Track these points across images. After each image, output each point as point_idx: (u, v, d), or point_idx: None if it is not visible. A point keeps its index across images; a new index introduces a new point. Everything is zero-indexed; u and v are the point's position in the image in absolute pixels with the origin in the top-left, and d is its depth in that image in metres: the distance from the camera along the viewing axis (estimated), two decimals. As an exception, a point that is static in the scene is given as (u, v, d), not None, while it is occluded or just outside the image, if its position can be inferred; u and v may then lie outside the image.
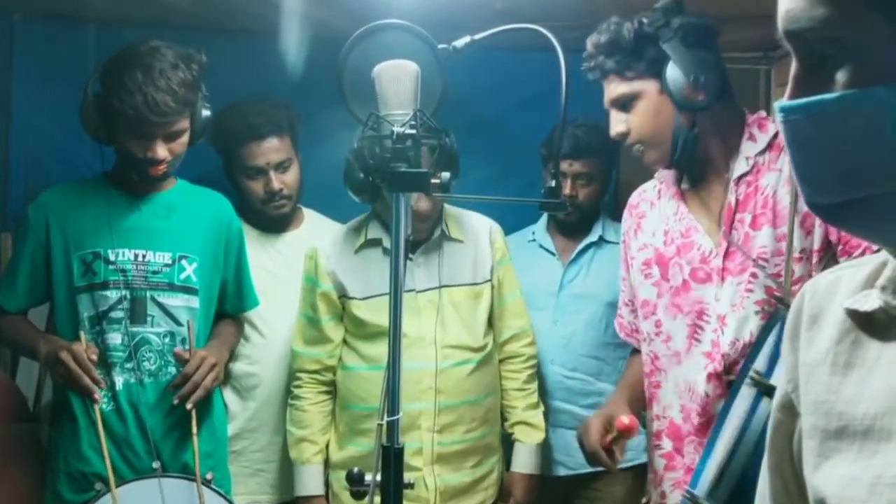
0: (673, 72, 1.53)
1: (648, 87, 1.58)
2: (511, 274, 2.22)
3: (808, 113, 0.56)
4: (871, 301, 0.64)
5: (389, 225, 2.06)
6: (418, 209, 1.99)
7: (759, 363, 1.41)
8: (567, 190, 2.35)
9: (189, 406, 1.84)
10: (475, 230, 2.18)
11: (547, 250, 2.44)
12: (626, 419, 1.61)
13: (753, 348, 1.45)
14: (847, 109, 0.54)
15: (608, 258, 2.39)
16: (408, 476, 2.01)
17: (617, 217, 2.39)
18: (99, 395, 1.80)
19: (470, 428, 2.08)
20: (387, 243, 2.07)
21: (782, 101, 0.59)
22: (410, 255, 2.07)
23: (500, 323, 2.19)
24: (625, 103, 1.61)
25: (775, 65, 2.64)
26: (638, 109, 1.60)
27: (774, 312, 1.47)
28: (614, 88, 1.61)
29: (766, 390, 1.35)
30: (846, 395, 0.63)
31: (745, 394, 1.40)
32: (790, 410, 0.71)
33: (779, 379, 0.74)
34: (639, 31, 1.56)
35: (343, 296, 2.11)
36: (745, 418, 1.38)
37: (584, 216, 2.41)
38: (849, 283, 0.68)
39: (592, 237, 2.42)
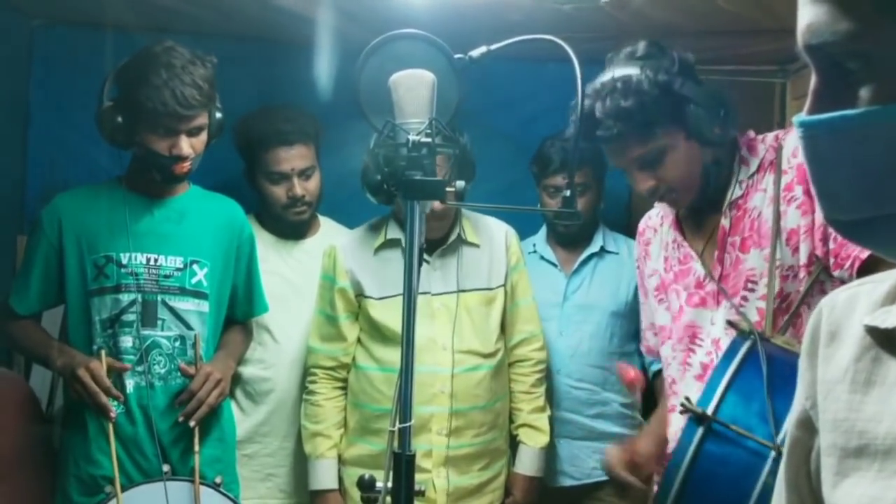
0: (699, 114, 1.47)
1: (675, 138, 1.51)
2: (525, 279, 2.23)
3: (830, 128, 0.55)
4: (891, 318, 0.63)
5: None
6: (433, 207, 1.99)
7: (706, 391, 1.39)
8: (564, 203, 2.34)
9: (192, 424, 1.85)
10: (491, 234, 2.19)
11: (549, 261, 2.45)
12: (631, 370, 1.56)
13: (712, 377, 1.41)
14: (870, 125, 0.53)
15: (610, 268, 2.42)
16: (416, 478, 2.02)
17: (631, 233, 2.40)
18: (114, 412, 1.81)
19: (479, 432, 2.10)
20: (406, 244, 2.08)
21: (802, 116, 0.58)
22: (427, 258, 2.08)
23: (511, 327, 2.21)
24: (650, 160, 1.53)
25: (791, 78, 2.63)
26: (670, 162, 1.52)
27: (732, 342, 1.44)
28: (636, 150, 1.52)
29: (696, 418, 1.34)
30: (867, 413, 0.63)
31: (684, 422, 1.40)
32: (808, 428, 0.70)
33: (796, 397, 0.73)
34: (655, 83, 1.46)
35: (360, 294, 2.12)
36: (678, 446, 1.36)
37: (583, 226, 2.43)
38: (867, 300, 0.67)
39: (594, 248, 2.44)
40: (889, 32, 0.52)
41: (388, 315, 2.07)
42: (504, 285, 2.17)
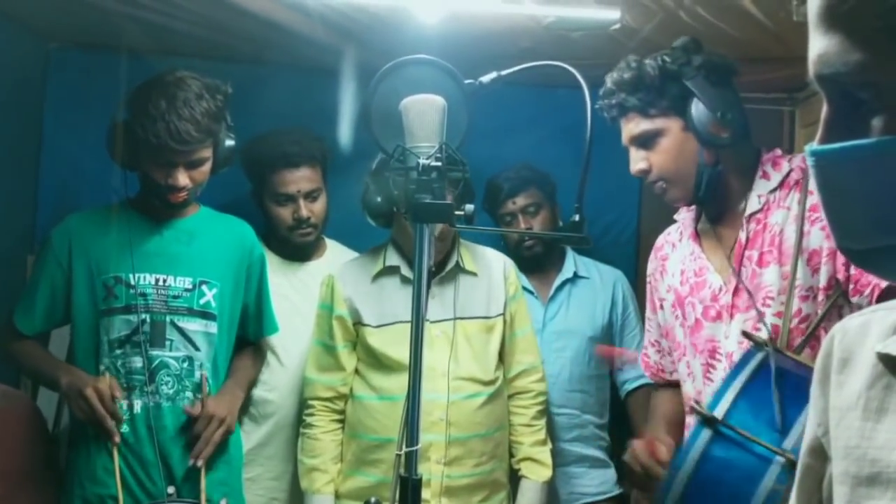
0: (698, 108, 1.54)
1: (672, 124, 1.58)
2: (523, 309, 2.23)
3: (842, 158, 0.56)
4: None
5: (407, 253, 2.09)
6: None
7: (716, 397, 1.40)
8: (522, 224, 2.41)
9: (199, 464, 1.85)
10: (489, 264, 2.19)
11: (525, 289, 2.44)
12: (604, 349, 1.53)
13: (724, 383, 1.43)
14: (883, 155, 0.53)
15: (584, 293, 2.46)
16: None
17: (640, 255, 2.41)
18: (118, 437, 1.81)
19: (479, 462, 2.07)
20: (404, 271, 2.09)
21: (814, 146, 0.58)
22: None
23: (510, 358, 2.19)
24: (646, 141, 1.61)
25: (799, 106, 2.65)
26: (661, 147, 1.59)
27: (747, 351, 1.45)
28: (635, 126, 1.61)
29: (704, 420, 1.34)
30: (879, 440, 0.62)
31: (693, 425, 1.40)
32: (820, 455, 0.70)
33: (808, 424, 0.73)
34: (662, 68, 1.56)
35: (357, 323, 2.11)
36: (682, 448, 1.37)
37: (547, 247, 2.45)
38: (880, 327, 0.67)
39: (567, 273, 2.46)
40: None
41: (386, 343, 2.06)
42: (503, 314, 2.16)
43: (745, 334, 1.48)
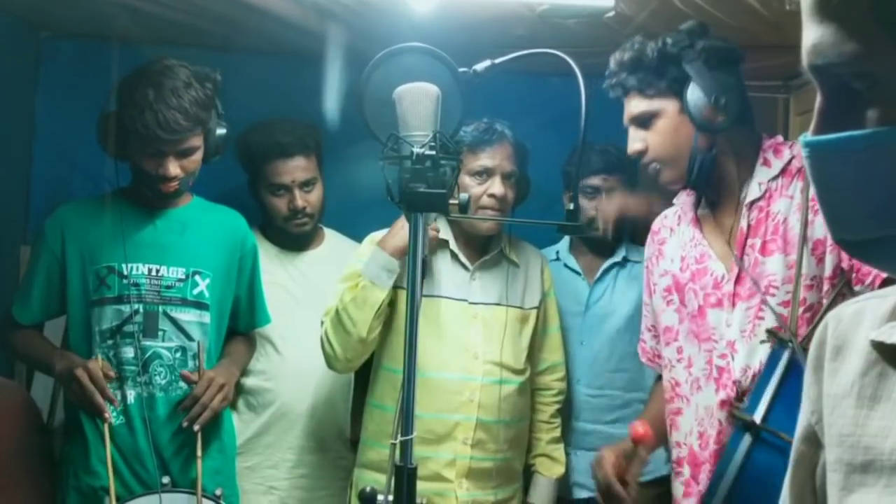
0: (694, 92, 1.54)
1: (668, 105, 1.58)
2: (554, 307, 2.24)
3: (836, 149, 0.55)
4: None
5: (465, 227, 2.07)
6: (479, 228, 2.07)
7: (752, 400, 1.40)
8: (592, 202, 2.35)
9: (196, 428, 1.84)
10: (528, 257, 2.20)
11: (572, 270, 2.44)
12: (640, 427, 1.56)
13: (757, 385, 1.44)
14: (877, 146, 0.53)
15: (631, 276, 2.41)
16: (439, 487, 1.98)
17: (634, 236, 2.39)
18: (109, 414, 1.80)
19: (500, 448, 2.07)
20: (453, 247, 2.09)
21: (807, 136, 0.57)
22: (469, 267, 2.08)
23: (538, 354, 2.20)
24: (644, 121, 1.61)
25: (794, 94, 2.64)
26: (657, 128, 1.60)
27: (773, 351, 1.46)
28: (635, 106, 1.61)
29: (745, 426, 1.34)
30: (873, 428, 0.62)
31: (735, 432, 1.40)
32: (813, 442, 0.70)
33: (801, 411, 0.73)
34: (662, 50, 1.57)
35: (398, 286, 2.05)
36: (724, 454, 1.36)
37: (613, 230, 2.38)
38: (874, 314, 0.67)
39: (616, 258, 2.42)
40: (895, 53, 0.52)
41: (424, 315, 2.01)
42: (538, 308, 2.17)
43: (769, 332, 1.47)
